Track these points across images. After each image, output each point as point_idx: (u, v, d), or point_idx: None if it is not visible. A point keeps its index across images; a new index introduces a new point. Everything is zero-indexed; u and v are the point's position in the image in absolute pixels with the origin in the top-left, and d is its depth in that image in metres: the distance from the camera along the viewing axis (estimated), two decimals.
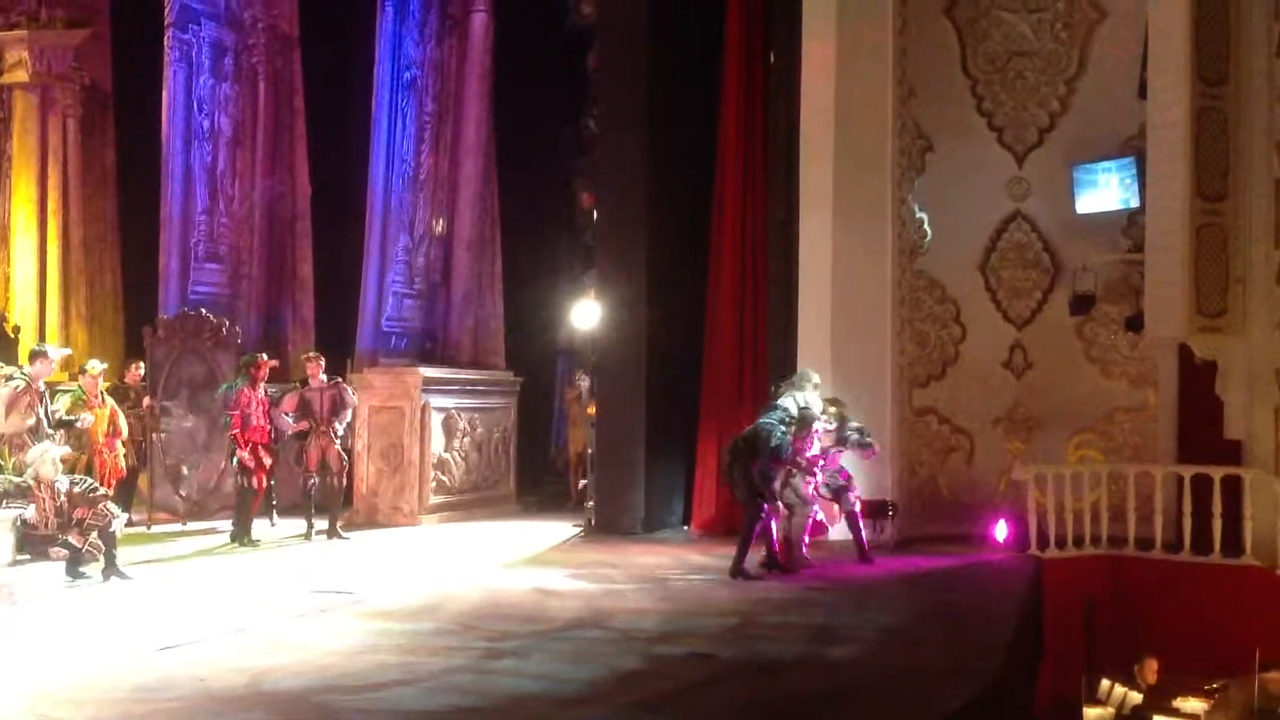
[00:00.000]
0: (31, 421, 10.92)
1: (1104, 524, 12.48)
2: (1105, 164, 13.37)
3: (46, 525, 10.25)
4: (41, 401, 11.10)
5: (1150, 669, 11.26)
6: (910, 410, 13.66)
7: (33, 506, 10.24)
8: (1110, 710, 11.18)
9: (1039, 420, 13.79)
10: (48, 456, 10.38)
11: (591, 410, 14.92)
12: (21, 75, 16.62)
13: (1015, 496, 13.04)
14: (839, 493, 12.03)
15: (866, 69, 13.14)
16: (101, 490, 10.87)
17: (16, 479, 10.44)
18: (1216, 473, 12.07)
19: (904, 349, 13.55)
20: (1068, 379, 13.78)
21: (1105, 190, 13.39)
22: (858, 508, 12.02)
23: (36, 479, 10.29)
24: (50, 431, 10.87)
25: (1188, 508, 12.10)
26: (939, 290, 13.94)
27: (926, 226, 13.71)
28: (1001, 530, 12.65)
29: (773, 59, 13.76)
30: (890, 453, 13.01)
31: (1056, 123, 13.88)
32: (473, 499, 15.64)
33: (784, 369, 13.02)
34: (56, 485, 10.34)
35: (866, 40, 13.19)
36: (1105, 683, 11.34)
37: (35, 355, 11.56)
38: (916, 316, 13.77)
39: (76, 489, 10.44)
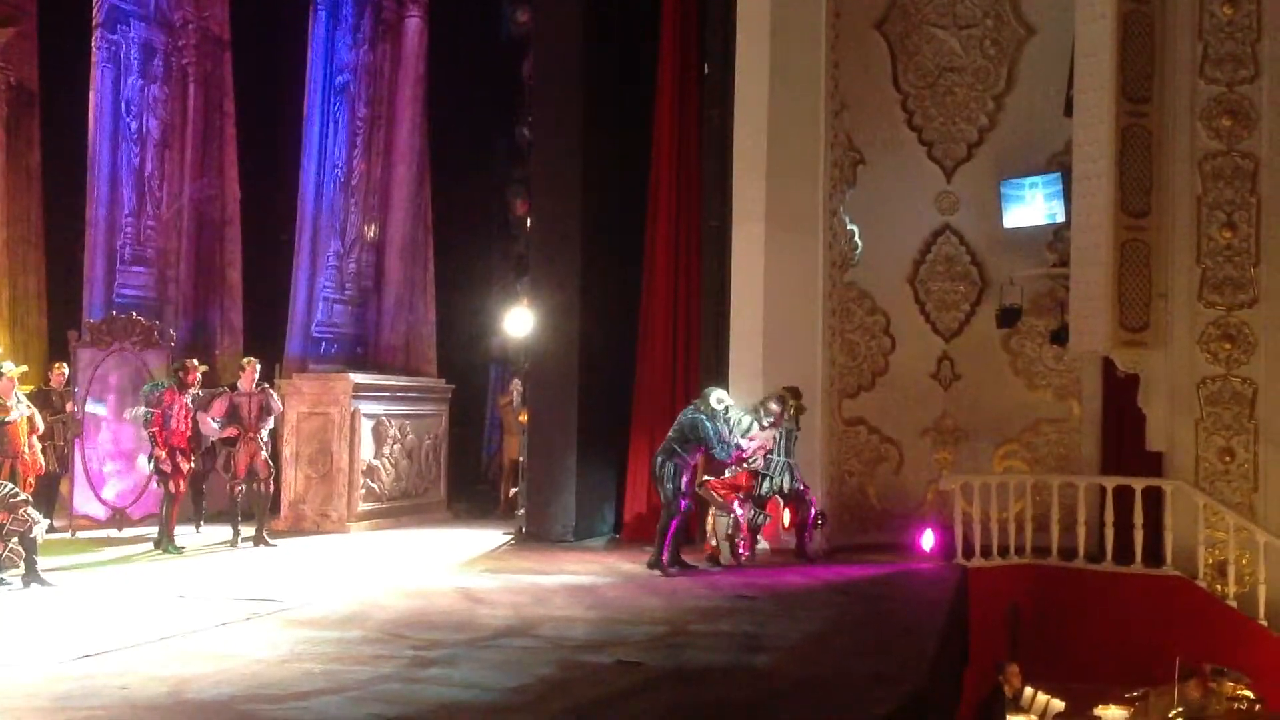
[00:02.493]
0: None
1: (1029, 534, 12.67)
2: (1032, 179, 13.59)
3: None
4: None
5: (1013, 674, 11.41)
6: (840, 420, 13.78)
7: None
8: (1034, 718, 11.32)
9: (966, 431, 13.97)
10: None
11: (524, 417, 14.89)
12: None
13: (942, 506, 13.21)
14: (797, 498, 12.18)
15: (799, 81, 13.24)
16: (22, 495, 10.67)
17: None
18: (1138, 484, 12.30)
19: (834, 359, 13.66)
20: (994, 390, 13.98)
21: (1032, 205, 13.60)
22: (813, 514, 12.29)
23: None
24: None
25: (1110, 518, 12.31)
26: (869, 301, 14.08)
27: (858, 238, 13.83)
28: (928, 539, 12.78)
29: (707, 69, 13.83)
30: (819, 462, 13.10)
31: (985, 138, 14.09)
32: (403, 506, 15.55)
33: (716, 377, 13.09)
34: None
35: (799, 53, 13.27)
36: (1029, 690, 11.48)
37: None
38: (847, 327, 13.90)
39: None
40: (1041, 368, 13.90)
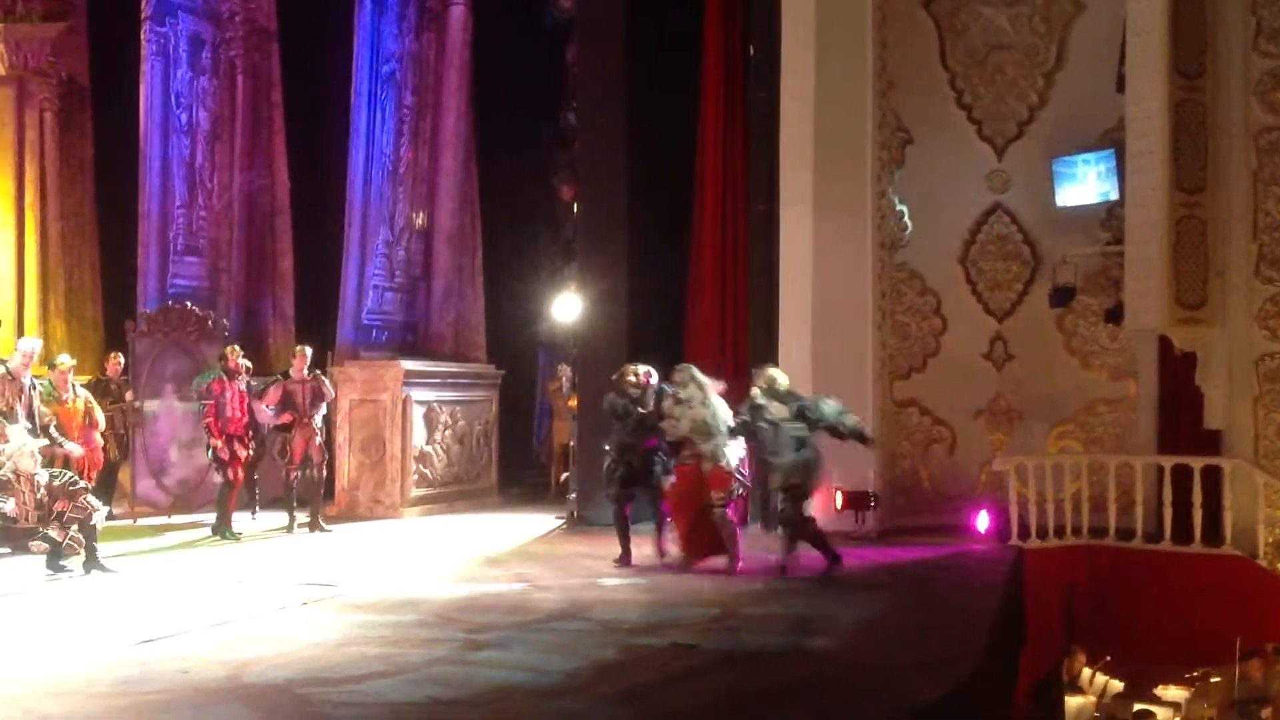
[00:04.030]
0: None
1: (1085, 514, 12.55)
2: (1085, 156, 13.42)
3: (26, 519, 10.19)
4: (21, 396, 10.99)
5: (1079, 661, 11.31)
6: (892, 402, 13.70)
7: (12, 500, 10.17)
8: (1091, 699, 11.22)
9: (1020, 412, 13.85)
10: (26, 449, 10.31)
11: (573, 403, 14.91)
12: None
13: (996, 487, 13.09)
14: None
15: (846, 62, 13.15)
16: (82, 483, 10.81)
17: None
18: (1196, 463, 12.14)
19: (885, 341, 13.58)
20: (1048, 371, 13.84)
21: (1085, 183, 13.44)
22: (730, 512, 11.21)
23: (15, 472, 10.22)
24: (27, 424, 10.78)
25: (1168, 498, 12.17)
26: (919, 283, 13.98)
27: (907, 219, 13.74)
28: (983, 521, 12.70)
29: (752, 51, 13.76)
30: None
31: (1036, 115, 13.92)
32: (454, 491, 15.63)
33: (766, 361, 13.02)
34: (36, 478, 10.27)
35: (846, 33, 13.20)
36: (1087, 672, 11.38)
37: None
38: (897, 309, 13.81)
39: (56, 482, 10.37)
40: (1096, 347, 13.74)
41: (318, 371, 13.75)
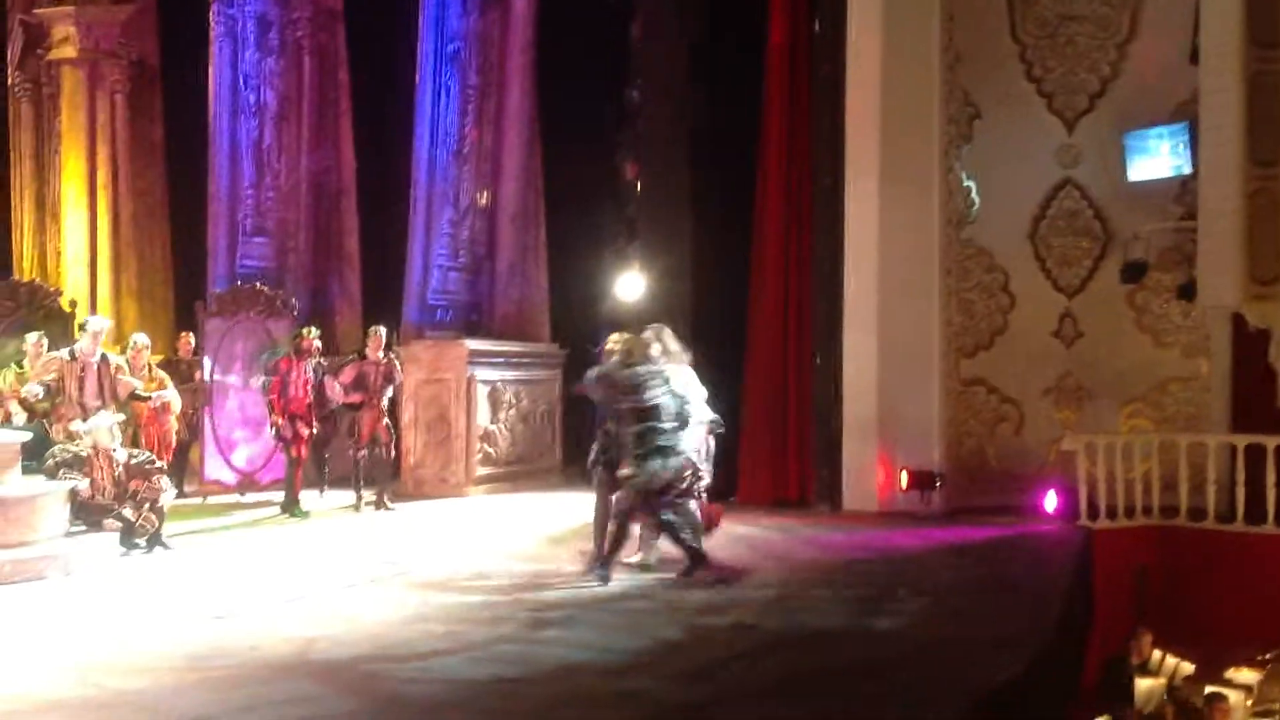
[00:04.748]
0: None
1: (1155, 494, 12.36)
2: (1157, 130, 13.19)
3: (103, 494, 10.38)
4: (89, 375, 11.14)
5: (1145, 641, 11.15)
6: (958, 380, 13.58)
7: (91, 477, 10.35)
8: (1162, 681, 11.08)
9: (1090, 390, 13.67)
10: (104, 424, 10.50)
11: None
12: (69, 51, 16.72)
13: (1065, 467, 12.93)
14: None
15: (913, 35, 13.02)
16: (159, 463, 10.99)
17: (74, 447, 10.55)
18: (1270, 442, 11.92)
19: (951, 319, 13.45)
20: (1119, 348, 13.64)
21: (1157, 156, 13.21)
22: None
23: (95, 448, 10.41)
24: (97, 402, 10.96)
25: (1241, 477, 11.96)
26: (987, 259, 13.82)
27: (975, 195, 13.59)
28: (1051, 501, 12.56)
29: (818, 25, 13.62)
30: (937, 423, 12.93)
31: (1107, 88, 13.70)
32: (518, 470, 15.68)
33: (829, 339, 12.97)
34: (115, 455, 10.46)
35: (913, 6, 13.07)
36: (1156, 653, 11.24)
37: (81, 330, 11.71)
38: (964, 286, 13.66)
39: (134, 461, 10.57)
40: (1168, 324, 13.52)
41: (391, 355, 13.83)
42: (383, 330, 13.70)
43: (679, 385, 9.39)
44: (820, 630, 7.89)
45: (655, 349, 9.40)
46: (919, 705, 6.39)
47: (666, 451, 9.13)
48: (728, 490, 14.07)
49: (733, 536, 11.67)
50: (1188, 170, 12.85)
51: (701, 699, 6.41)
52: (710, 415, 10.01)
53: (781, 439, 13.80)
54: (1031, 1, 13.76)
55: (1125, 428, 13.43)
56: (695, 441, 9.67)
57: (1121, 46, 13.66)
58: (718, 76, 14.02)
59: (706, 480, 10.03)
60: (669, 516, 9.25)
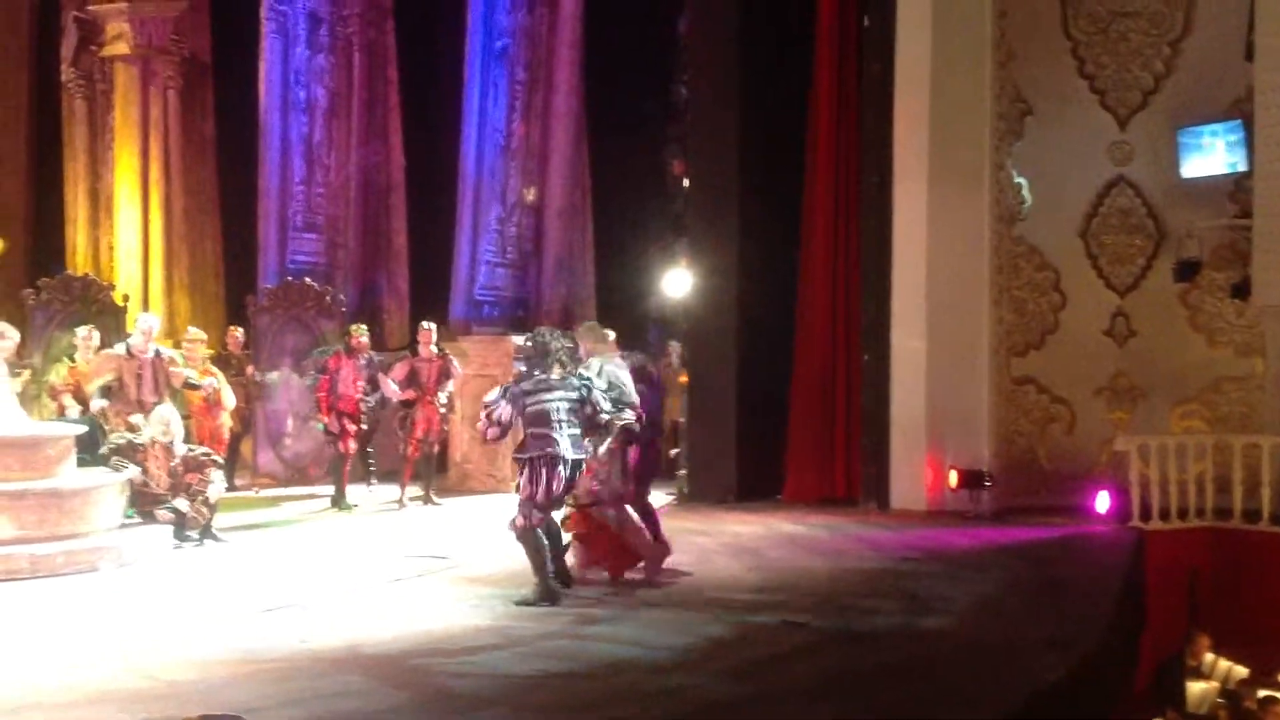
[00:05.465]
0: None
1: (1209, 496, 12.20)
2: (1212, 127, 13.01)
3: (158, 484, 10.49)
4: (144, 371, 11.24)
5: (1202, 645, 11.01)
6: (1009, 380, 13.45)
7: (145, 466, 10.46)
8: (1215, 684, 10.96)
9: (1142, 390, 13.50)
10: (161, 417, 10.63)
11: (683, 379, 14.88)
12: (123, 48, 16.90)
13: (1116, 467, 12.79)
14: None
15: (964, 31, 12.91)
16: (215, 457, 11.11)
17: (130, 435, 10.66)
18: None
19: (1002, 318, 13.33)
20: (1172, 347, 13.47)
21: (1212, 154, 13.04)
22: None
23: (153, 439, 10.53)
24: (154, 398, 11.08)
25: None
26: (1038, 257, 13.68)
27: (1025, 192, 13.46)
28: (1103, 501, 12.41)
29: (866, 21, 13.52)
30: (987, 422, 12.83)
31: (1161, 85, 13.52)
32: None
33: (878, 337, 12.88)
34: (172, 448, 10.58)
35: (964, 2, 12.94)
36: (1209, 656, 11.11)
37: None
38: (1015, 284, 13.54)
39: (190, 454, 10.70)
40: (1222, 323, 13.33)
41: (446, 351, 13.88)
42: (432, 326, 13.74)
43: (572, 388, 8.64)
44: (869, 629, 7.84)
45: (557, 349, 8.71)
46: (967, 705, 6.35)
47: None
48: (774, 488, 14.06)
49: (780, 534, 11.65)
50: (1242, 167, 12.69)
51: (747, 697, 6.39)
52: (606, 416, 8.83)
53: (829, 437, 13.74)
54: None
55: (1178, 428, 13.27)
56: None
57: (1175, 43, 13.48)
58: (765, 72, 13.95)
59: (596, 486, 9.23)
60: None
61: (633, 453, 9.35)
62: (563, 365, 8.61)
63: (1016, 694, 6.53)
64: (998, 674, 6.95)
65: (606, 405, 8.69)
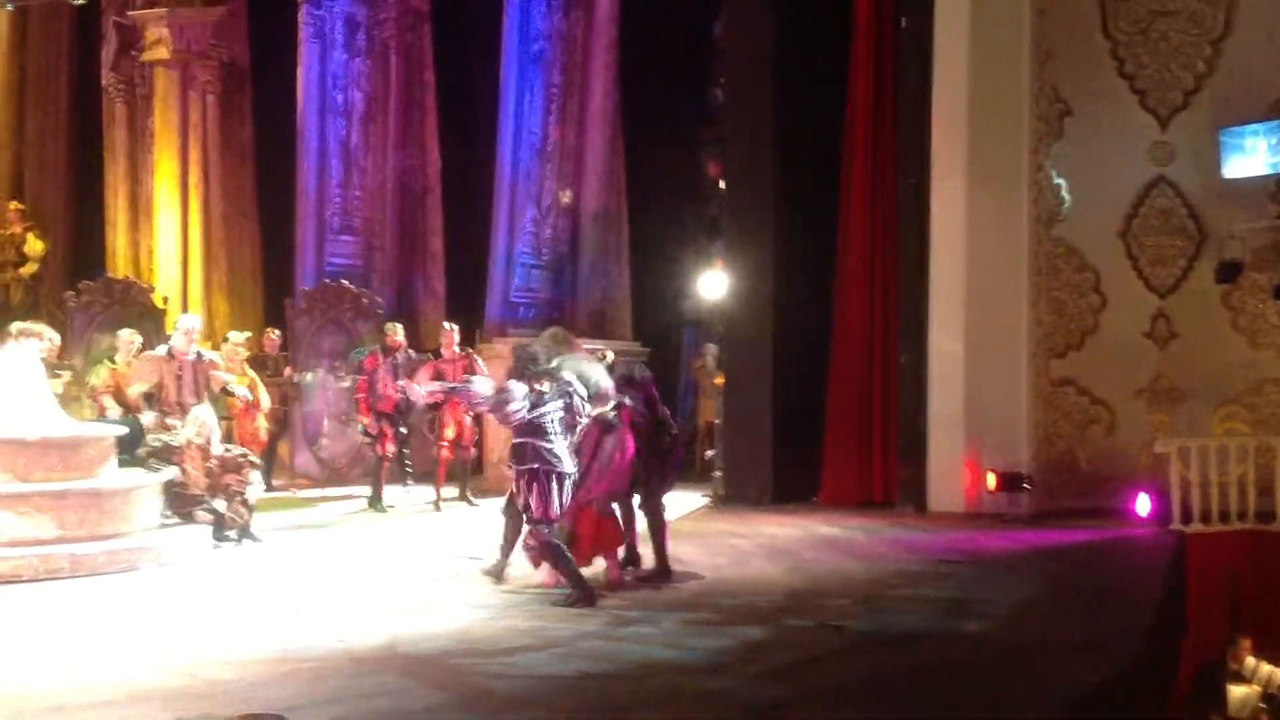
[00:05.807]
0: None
1: (1251, 499, 12.08)
2: (1254, 127, 12.89)
3: (195, 486, 10.57)
4: (184, 372, 11.32)
5: (1244, 649, 10.88)
6: (1047, 381, 13.35)
7: (182, 467, 10.54)
8: (1256, 688, 10.83)
9: (1183, 392, 13.37)
10: (199, 419, 10.71)
11: (719, 381, 14.86)
12: (162, 53, 17.06)
13: (1157, 470, 12.67)
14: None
15: (1002, 31, 12.84)
16: (251, 457, 11.17)
17: (166, 436, 10.74)
18: None
19: (1041, 319, 13.24)
20: (1214, 349, 13.34)
21: (1254, 154, 12.91)
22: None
23: (188, 440, 10.60)
24: (193, 399, 11.15)
25: None
26: (1078, 258, 13.57)
27: (1065, 193, 13.36)
28: (1143, 504, 12.30)
29: (904, 22, 13.47)
30: (1025, 424, 12.73)
31: (1202, 85, 13.39)
32: None
33: (916, 339, 12.81)
34: (210, 449, 10.65)
35: (1002, 2, 12.86)
36: (1251, 660, 10.98)
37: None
38: (1054, 285, 13.44)
39: (228, 454, 10.77)
40: (1265, 325, 13.18)
41: (470, 350, 13.91)
42: (455, 328, 13.76)
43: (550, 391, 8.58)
44: (906, 632, 7.80)
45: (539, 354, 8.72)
46: (1006, 709, 6.29)
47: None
48: (810, 490, 14.02)
49: (817, 536, 11.61)
50: None
51: (784, 699, 6.36)
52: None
53: (866, 439, 13.69)
54: None
55: (1220, 430, 13.12)
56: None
57: (1216, 43, 13.35)
58: (801, 74, 13.92)
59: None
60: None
61: (629, 447, 9.11)
62: (552, 376, 8.61)
63: (1056, 699, 6.47)
64: (1037, 678, 6.89)
65: (587, 407, 8.70)
